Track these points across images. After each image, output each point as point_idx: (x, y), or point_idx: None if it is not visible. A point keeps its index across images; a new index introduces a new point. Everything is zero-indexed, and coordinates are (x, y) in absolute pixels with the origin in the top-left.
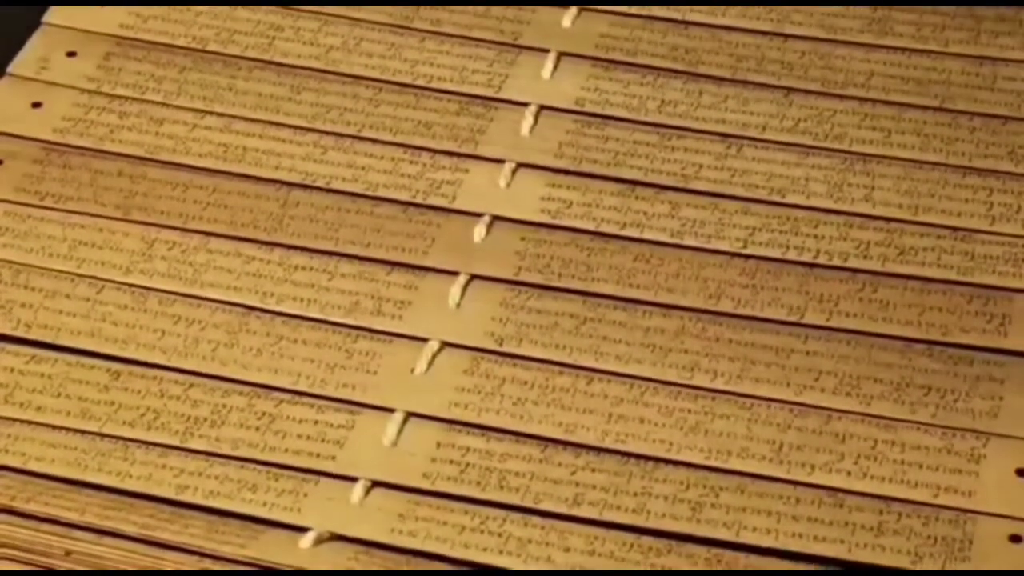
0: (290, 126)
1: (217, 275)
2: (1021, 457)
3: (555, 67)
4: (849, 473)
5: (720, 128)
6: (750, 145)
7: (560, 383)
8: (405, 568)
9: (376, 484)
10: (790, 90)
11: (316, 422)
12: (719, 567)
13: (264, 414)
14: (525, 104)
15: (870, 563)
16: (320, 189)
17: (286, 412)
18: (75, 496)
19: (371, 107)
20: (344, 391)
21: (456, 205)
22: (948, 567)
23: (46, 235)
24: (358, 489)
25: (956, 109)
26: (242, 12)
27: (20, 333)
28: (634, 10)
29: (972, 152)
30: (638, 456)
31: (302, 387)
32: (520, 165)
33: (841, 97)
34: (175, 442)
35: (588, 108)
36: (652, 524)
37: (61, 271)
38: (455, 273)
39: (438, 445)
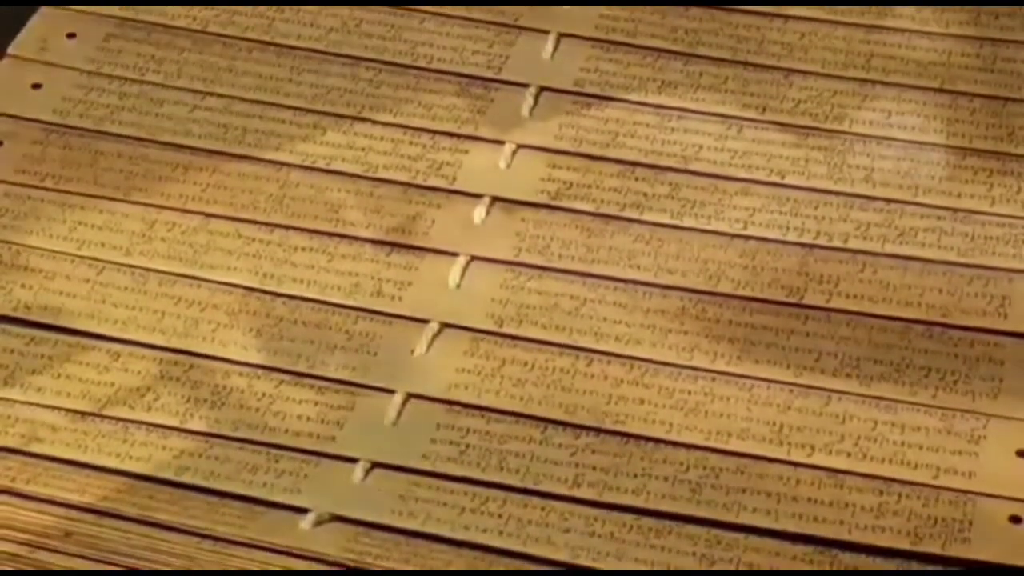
0: (290, 107)
1: (217, 256)
2: (1021, 438)
3: (555, 48)
4: (849, 454)
5: (720, 109)
6: (750, 126)
7: (560, 364)
8: (404, 547)
9: (376, 465)
10: (790, 71)
11: (316, 403)
12: (719, 548)
13: (264, 395)
14: (525, 85)
15: (870, 544)
16: (320, 170)
17: (286, 393)
18: (75, 477)
19: (371, 88)
20: (344, 372)
21: (456, 186)
22: (948, 548)
23: (46, 216)
24: (358, 470)
25: (956, 90)
26: None
27: (20, 314)
28: None
29: (972, 133)
30: (638, 437)
31: (302, 368)
32: (520, 146)
33: (841, 78)
34: (175, 423)
35: (588, 89)
36: (652, 505)
37: (61, 252)
38: (455, 254)
39: (438, 426)
